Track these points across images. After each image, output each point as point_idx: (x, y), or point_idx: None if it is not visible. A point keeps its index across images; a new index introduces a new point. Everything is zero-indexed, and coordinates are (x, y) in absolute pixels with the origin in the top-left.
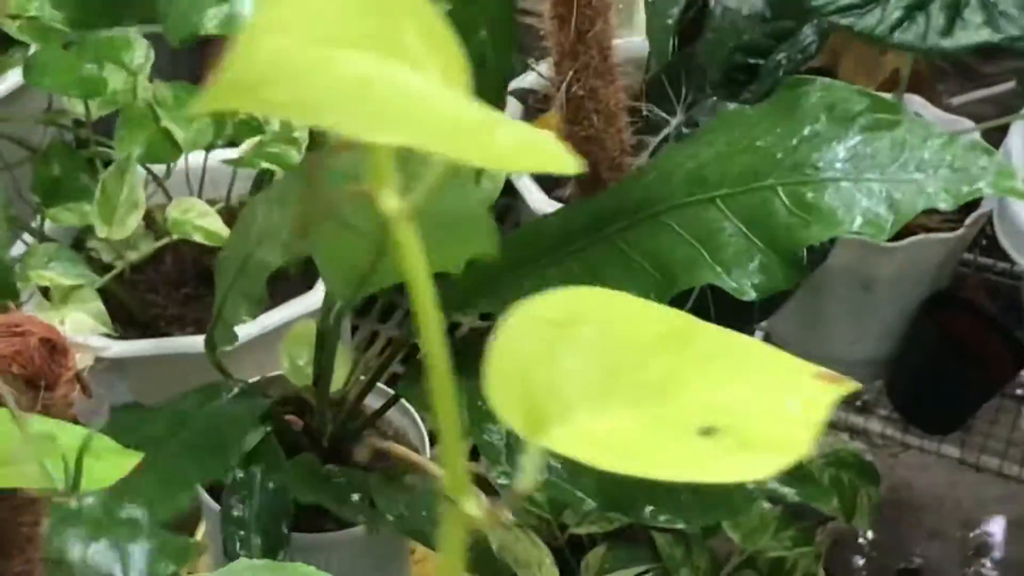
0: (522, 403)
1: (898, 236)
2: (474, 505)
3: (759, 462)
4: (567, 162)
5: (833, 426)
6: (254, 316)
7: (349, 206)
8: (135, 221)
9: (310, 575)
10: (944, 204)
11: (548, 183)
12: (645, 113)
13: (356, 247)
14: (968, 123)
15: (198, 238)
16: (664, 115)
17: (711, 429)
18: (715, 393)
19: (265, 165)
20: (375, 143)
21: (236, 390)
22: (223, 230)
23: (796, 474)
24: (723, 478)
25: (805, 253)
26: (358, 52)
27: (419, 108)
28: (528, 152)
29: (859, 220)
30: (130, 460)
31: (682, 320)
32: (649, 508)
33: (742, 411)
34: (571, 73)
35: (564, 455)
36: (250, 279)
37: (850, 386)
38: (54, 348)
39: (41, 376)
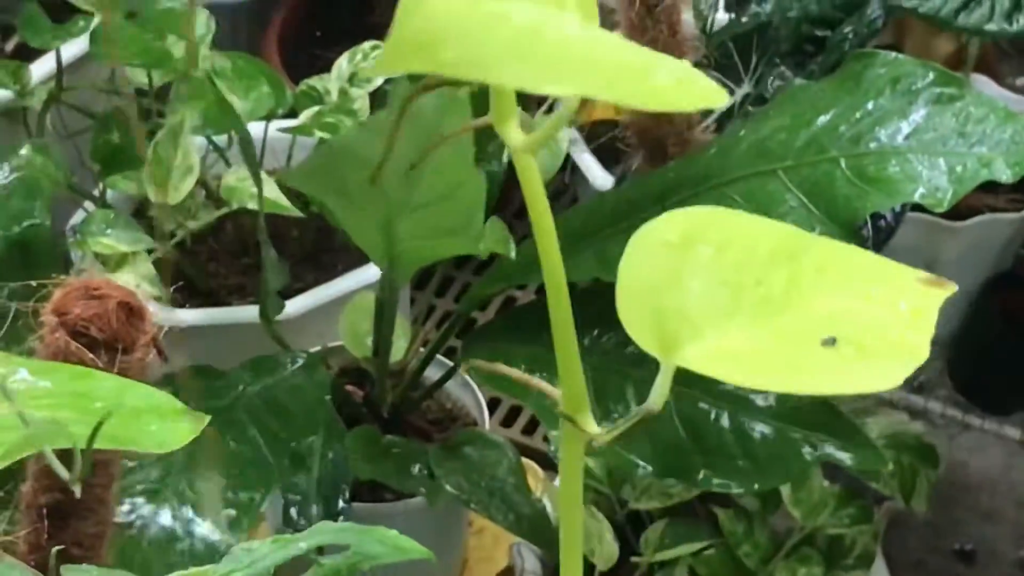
0: (653, 326)
1: (963, 216)
2: (592, 423)
3: (880, 371)
4: (720, 96)
5: (892, 406)
6: (287, 281)
7: (356, 188)
8: (189, 186)
9: (391, 539)
10: (1005, 177)
11: (608, 161)
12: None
13: (368, 227)
14: None
15: (254, 206)
16: (731, 85)
17: (832, 339)
18: (832, 302)
19: (322, 135)
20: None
21: (300, 362)
22: (280, 198)
23: (853, 440)
24: (848, 389)
25: (870, 230)
26: (520, 3)
27: (585, 56)
28: (686, 90)
29: (919, 191)
30: (198, 422)
31: (794, 233)
32: (704, 472)
33: (858, 320)
34: None
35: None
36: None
37: (951, 288)
38: (131, 311)
39: (119, 339)
